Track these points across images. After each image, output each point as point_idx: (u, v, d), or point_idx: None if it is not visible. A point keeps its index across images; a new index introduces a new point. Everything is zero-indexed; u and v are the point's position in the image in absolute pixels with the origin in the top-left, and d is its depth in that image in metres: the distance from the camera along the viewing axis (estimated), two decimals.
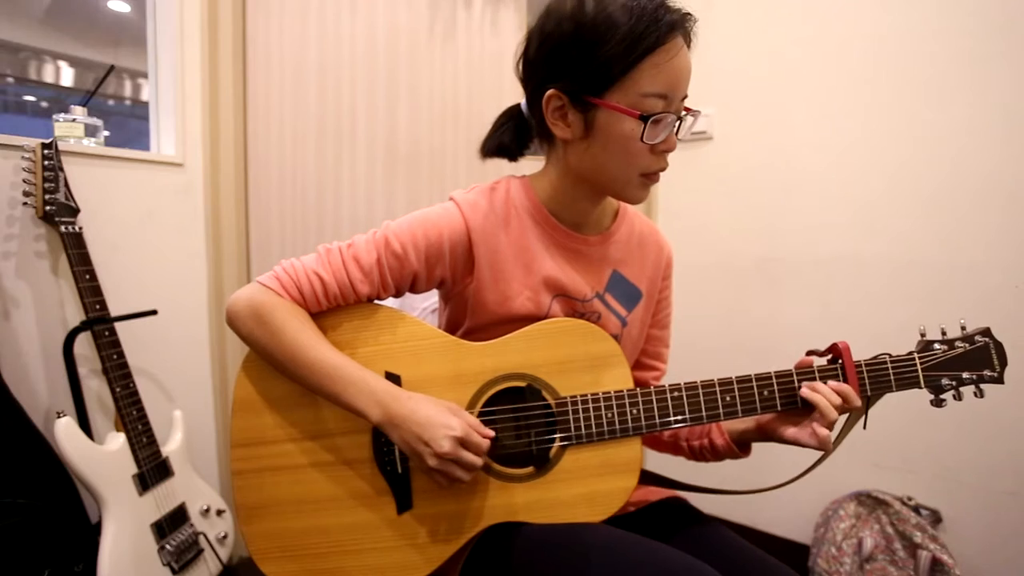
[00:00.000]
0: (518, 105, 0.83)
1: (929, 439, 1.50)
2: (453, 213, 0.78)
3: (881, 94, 1.55)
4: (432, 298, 0.99)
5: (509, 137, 0.83)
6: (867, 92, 1.57)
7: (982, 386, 0.77)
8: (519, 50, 0.78)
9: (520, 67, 0.78)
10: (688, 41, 0.71)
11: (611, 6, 0.68)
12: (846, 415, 0.78)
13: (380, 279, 0.77)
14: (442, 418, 0.69)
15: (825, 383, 0.75)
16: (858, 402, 0.74)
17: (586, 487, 0.76)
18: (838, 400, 0.73)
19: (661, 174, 0.76)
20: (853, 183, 1.60)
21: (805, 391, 0.74)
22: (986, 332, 0.77)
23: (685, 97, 0.73)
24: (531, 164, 0.86)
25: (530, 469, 0.76)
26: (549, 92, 0.73)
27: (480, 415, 0.76)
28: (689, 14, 0.71)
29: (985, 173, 1.42)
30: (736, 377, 0.76)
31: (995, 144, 1.40)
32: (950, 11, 1.45)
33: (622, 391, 0.76)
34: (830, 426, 0.73)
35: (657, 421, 0.76)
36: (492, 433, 0.72)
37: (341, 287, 0.76)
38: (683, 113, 0.73)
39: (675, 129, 0.73)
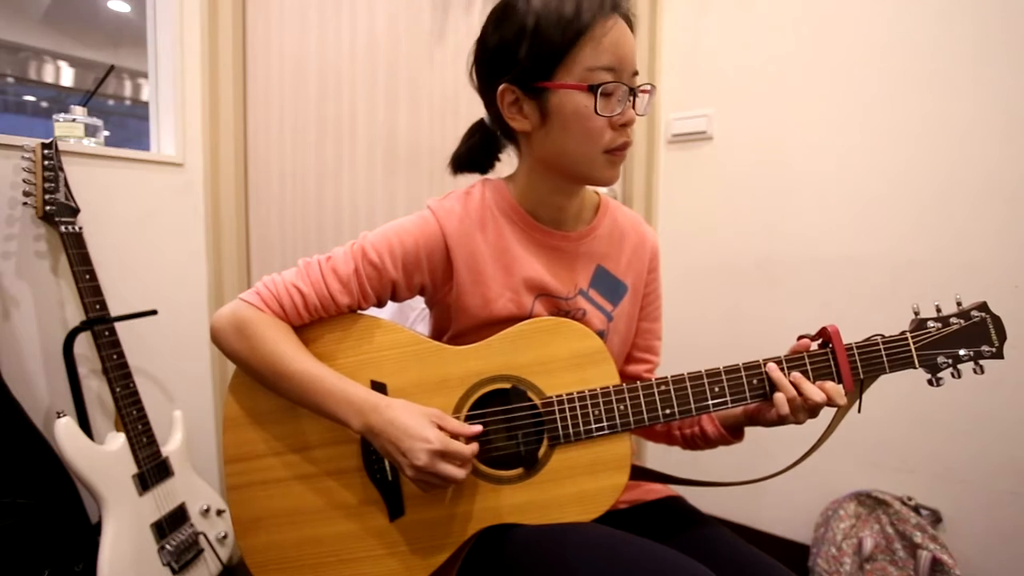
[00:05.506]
0: (483, 119, 0.84)
1: (929, 439, 1.49)
2: (428, 220, 0.79)
3: (881, 94, 1.54)
4: None
5: (478, 150, 0.84)
6: (867, 92, 1.56)
7: (981, 362, 0.74)
8: (469, 61, 0.79)
9: (473, 77, 0.80)
10: (628, 21, 0.73)
11: None
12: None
13: (359, 289, 0.77)
14: (420, 430, 0.68)
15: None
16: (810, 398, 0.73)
17: (576, 486, 0.75)
18: (792, 392, 0.73)
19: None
20: (853, 183, 1.59)
21: (770, 366, 0.74)
22: (983, 307, 0.74)
23: (636, 73, 0.74)
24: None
25: (519, 471, 0.76)
26: (501, 87, 0.74)
27: (467, 419, 0.76)
28: None
29: (985, 173, 1.41)
30: (724, 367, 0.75)
31: (995, 144, 1.39)
32: (950, 11, 1.44)
33: (608, 388, 0.76)
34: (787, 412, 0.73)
35: (645, 416, 0.75)
36: (478, 429, 0.73)
37: (321, 299, 0.76)
38: (636, 87, 0.74)
39: (630, 102, 0.73)
